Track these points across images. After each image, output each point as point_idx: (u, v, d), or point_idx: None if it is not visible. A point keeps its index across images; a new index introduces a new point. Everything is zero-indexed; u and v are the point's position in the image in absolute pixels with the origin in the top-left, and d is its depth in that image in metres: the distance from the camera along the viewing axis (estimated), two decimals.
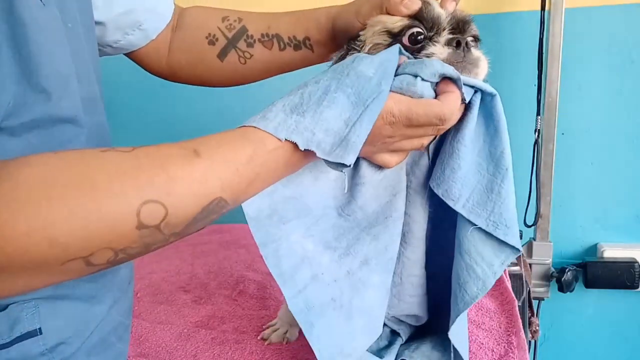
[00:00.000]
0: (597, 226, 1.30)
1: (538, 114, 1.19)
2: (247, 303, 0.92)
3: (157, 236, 0.41)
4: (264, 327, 0.82)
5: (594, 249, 1.30)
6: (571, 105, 1.22)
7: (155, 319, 0.87)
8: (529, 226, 1.22)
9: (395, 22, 0.57)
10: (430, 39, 0.56)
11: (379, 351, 0.66)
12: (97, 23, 0.63)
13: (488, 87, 0.55)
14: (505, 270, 1.02)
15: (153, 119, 1.52)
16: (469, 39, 0.57)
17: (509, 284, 0.94)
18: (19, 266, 0.36)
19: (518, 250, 0.56)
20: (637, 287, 1.22)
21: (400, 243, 0.60)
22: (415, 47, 0.56)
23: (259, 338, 0.79)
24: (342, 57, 0.60)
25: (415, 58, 0.54)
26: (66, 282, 0.43)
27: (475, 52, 0.56)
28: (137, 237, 0.39)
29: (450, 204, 0.55)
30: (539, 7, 1.15)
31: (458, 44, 0.54)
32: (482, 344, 0.74)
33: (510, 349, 0.73)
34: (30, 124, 0.44)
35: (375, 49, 0.57)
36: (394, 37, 0.56)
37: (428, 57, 0.54)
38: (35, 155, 0.38)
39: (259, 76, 0.74)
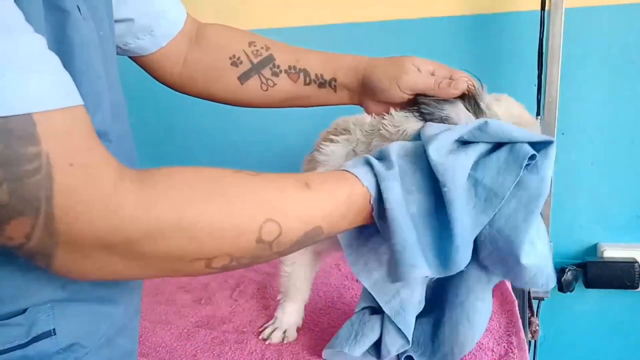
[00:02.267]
0: (597, 226, 1.30)
1: (538, 114, 1.19)
2: (247, 303, 0.92)
3: (266, 252, 0.46)
4: (260, 328, 0.82)
5: (594, 249, 1.30)
6: (571, 105, 1.22)
7: (155, 319, 0.87)
8: None
9: None
10: None
11: None
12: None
13: None
14: None
15: (153, 118, 1.52)
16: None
17: (509, 284, 0.94)
18: (153, 256, 0.41)
19: None
20: (637, 287, 1.22)
21: None
22: None
23: (260, 337, 0.79)
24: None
25: None
26: (83, 287, 0.48)
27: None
28: (253, 250, 0.45)
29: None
30: (539, 7, 1.15)
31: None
32: (482, 344, 0.74)
33: (510, 349, 0.73)
34: None
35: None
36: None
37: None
38: (172, 167, 0.44)
39: (275, 104, 0.76)
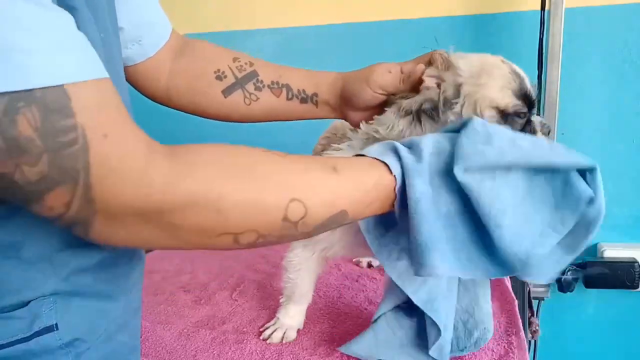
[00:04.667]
0: None
1: (538, 113, 1.19)
2: (247, 303, 0.92)
3: (292, 231, 0.47)
4: (261, 328, 0.82)
5: (594, 249, 1.30)
6: (571, 105, 1.22)
7: (156, 319, 0.87)
8: None
9: (505, 100, 0.64)
10: (528, 118, 0.66)
11: None
12: None
13: None
14: None
15: (153, 120, 1.52)
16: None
17: (509, 284, 0.94)
18: (182, 227, 0.42)
19: None
20: (637, 287, 1.22)
21: None
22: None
23: (261, 338, 0.79)
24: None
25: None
26: (84, 281, 0.49)
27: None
28: (279, 228, 0.46)
29: None
30: (539, 7, 1.15)
31: (548, 133, 0.67)
32: None
33: (510, 349, 0.73)
34: None
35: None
36: (503, 114, 0.64)
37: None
38: (202, 144, 0.45)
39: (257, 119, 0.77)
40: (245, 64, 0.75)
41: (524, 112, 0.65)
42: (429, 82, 0.66)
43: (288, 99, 0.75)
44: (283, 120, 0.78)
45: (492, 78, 0.64)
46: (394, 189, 0.52)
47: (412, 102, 0.65)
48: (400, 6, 1.30)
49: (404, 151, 0.53)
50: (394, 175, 0.51)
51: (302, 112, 0.76)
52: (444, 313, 0.65)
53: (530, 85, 0.66)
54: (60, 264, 0.47)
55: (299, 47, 1.40)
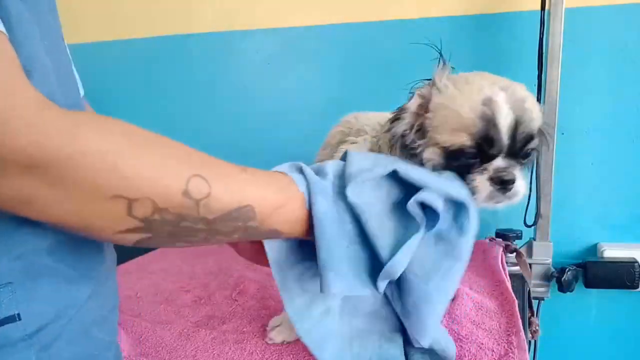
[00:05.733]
0: (597, 226, 1.30)
1: None
2: (247, 303, 0.92)
3: (192, 212, 0.45)
4: (268, 327, 0.82)
5: (594, 249, 1.30)
6: (571, 105, 1.22)
7: (155, 319, 0.87)
8: (529, 226, 1.22)
9: (452, 139, 0.58)
10: (483, 160, 0.59)
11: None
12: None
13: None
14: (505, 270, 1.02)
15: (153, 120, 1.52)
16: (515, 171, 0.59)
17: (509, 284, 0.94)
18: (72, 182, 0.40)
19: None
20: (637, 287, 1.22)
21: None
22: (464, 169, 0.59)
23: (266, 340, 0.79)
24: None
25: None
26: (42, 261, 0.47)
27: (516, 185, 0.59)
28: (178, 203, 0.44)
29: None
30: (539, 7, 1.15)
31: (502, 186, 0.58)
32: (482, 344, 0.74)
33: (510, 349, 0.72)
34: None
35: (428, 162, 0.61)
36: (447, 154, 0.59)
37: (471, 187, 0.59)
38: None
39: None
40: None
41: (471, 153, 0.59)
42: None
43: None
44: None
45: (449, 117, 0.60)
46: (303, 204, 0.52)
47: (384, 137, 0.66)
48: (400, 6, 1.30)
49: (309, 170, 0.54)
50: (302, 192, 0.52)
51: None
52: (333, 355, 0.61)
53: (502, 129, 0.57)
54: (12, 244, 0.45)
55: (299, 47, 1.40)
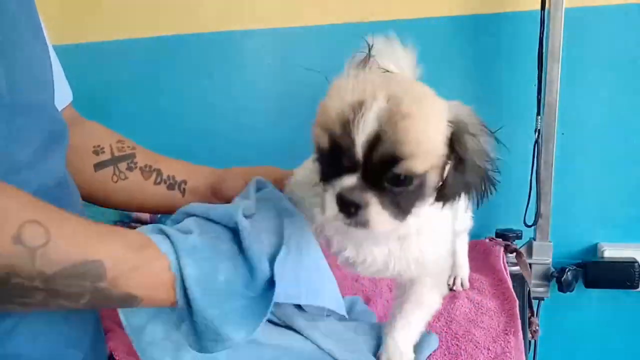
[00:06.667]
0: (597, 226, 1.29)
1: (538, 113, 1.19)
2: None
3: (26, 262, 0.38)
4: None
5: (594, 249, 1.30)
6: (571, 105, 1.22)
7: None
8: (529, 226, 1.22)
9: (318, 137, 0.50)
10: (339, 171, 0.49)
11: None
12: None
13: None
14: (507, 270, 1.02)
15: (153, 119, 1.52)
16: (366, 196, 0.48)
17: (510, 283, 0.94)
18: None
19: None
20: (637, 287, 1.22)
21: None
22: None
23: None
24: None
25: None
26: None
27: (368, 212, 0.49)
28: (7, 249, 0.38)
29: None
30: (539, 7, 1.15)
31: (343, 209, 0.49)
32: (479, 342, 0.74)
33: (507, 348, 0.72)
34: None
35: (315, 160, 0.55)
36: (317, 149, 0.52)
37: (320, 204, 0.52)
38: None
39: (121, 201, 0.76)
40: (128, 147, 0.75)
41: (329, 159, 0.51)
42: None
43: (156, 183, 0.75)
44: (144, 209, 0.79)
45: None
46: (167, 267, 0.47)
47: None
48: (401, 6, 1.30)
49: (172, 231, 0.51)
50: (165, 254, 0.48)
51: (166, 199, 0.75)
52: None
53: (356, 141, 0.47)
54: None
55: (299, 47, 1.40)
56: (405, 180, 0.48)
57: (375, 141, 0.46)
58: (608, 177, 1.27)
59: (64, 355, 0.54)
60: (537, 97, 1.18)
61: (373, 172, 0.48)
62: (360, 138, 0.46)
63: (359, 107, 0.47)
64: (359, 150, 0.47)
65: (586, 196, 1.29)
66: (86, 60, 1.50)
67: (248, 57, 1.43)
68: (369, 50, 0.56)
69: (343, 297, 0.62)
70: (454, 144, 0.50)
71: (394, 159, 0.47)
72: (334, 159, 0.49)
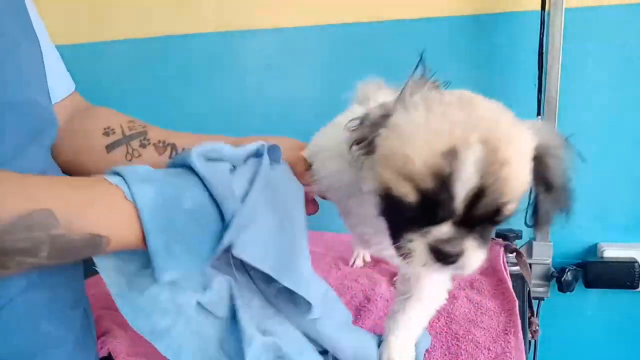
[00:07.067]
0: (597, 226, 1.29)
1: (538, 114, 1.19)
2: None
3: None
4: None
5: (594, 249, 1.30)
6: (571, 105, 1.22)
7: None
8: (529, 226, 1.22)
9: (394, 184, 0.47)
10: (427, 220, 0.47)
11: None
12: None
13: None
14: (507, 270, 1.02)
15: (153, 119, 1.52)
16: (466, 242, 0.47)
17: (509, 283, 0.94)
18: None
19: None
20: (637, 287, 1.22)
21: None
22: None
23: None
24: None
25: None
26: None
27: (466, 257, 0.48)
28: None
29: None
30: (539, 7, 1.15)
31: (442, 259, 0.47)
32: (479, 342, 0.74)
33: (508, 348, 0.73)
34: None
35: (365, 184, 0.53)
36: (384, 194, 0.49)
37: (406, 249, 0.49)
38: None
39: None
40: (139, 125, 0.74)
41: (412, 209, 0.48)
42: None
43: (171, 157, 0.73)
44: None
45: None
46: (123, 197, 0.45)
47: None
48: (400, 6, 1.30)
49: (122, 167, 0.49)
50: (116, 184, 0.45)
51: None
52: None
53: (457, 197, 0.45)
54: None
55: (299, 47, 1.40)
56: (501, 221, 0.48)
57: (478, 196, 0.44)
58: (608, 177, 1.27)
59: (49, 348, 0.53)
60: (537, 97, 1.18)
61: (470, 221, 0.46)
62: (461, 194, 0.44)
63: (452, 156, 0.44)
64: (459, 205, 0.45)
65: (586, 196, 1.29)
66: (85, 61, 1.50)
67: (248, 58, 1.44)
68: (424, 67, 0.52)
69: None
70: (540, 168, 0.50)
71: (497, 211, 0.46)
72: (423, 210, 0.46)
